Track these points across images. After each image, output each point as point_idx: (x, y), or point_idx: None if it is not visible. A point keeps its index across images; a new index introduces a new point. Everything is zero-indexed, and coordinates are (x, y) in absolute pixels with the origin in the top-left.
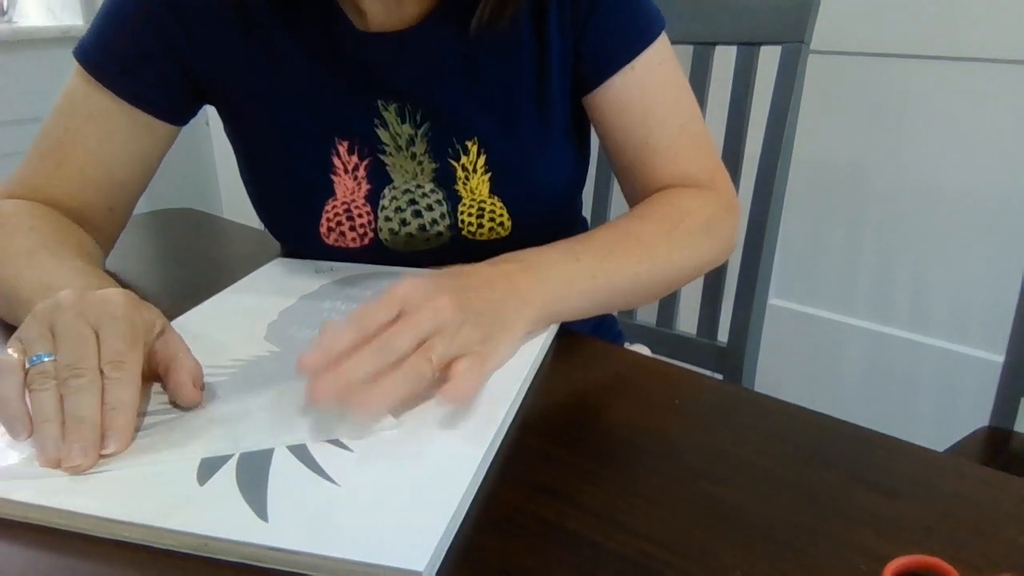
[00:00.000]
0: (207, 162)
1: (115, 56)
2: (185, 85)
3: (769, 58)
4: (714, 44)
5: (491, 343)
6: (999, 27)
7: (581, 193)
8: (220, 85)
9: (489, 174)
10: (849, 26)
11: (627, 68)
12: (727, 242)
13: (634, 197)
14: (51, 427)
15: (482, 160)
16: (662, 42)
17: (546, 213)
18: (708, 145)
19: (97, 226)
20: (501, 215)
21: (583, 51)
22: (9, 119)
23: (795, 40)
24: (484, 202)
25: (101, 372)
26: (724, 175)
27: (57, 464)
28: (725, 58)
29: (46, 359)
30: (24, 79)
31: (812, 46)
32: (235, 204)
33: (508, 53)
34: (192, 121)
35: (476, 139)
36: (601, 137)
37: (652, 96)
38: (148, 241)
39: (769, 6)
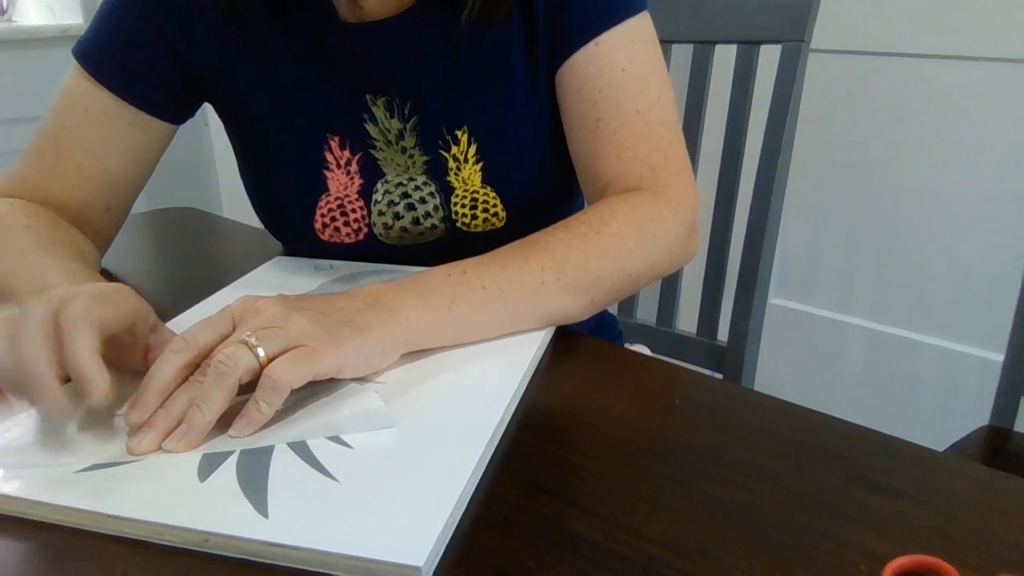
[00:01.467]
0: (207, 162)
1: (112, 55)
2: (182, 83)
3: (769, 57)
4: (714, 43)
5: (334, 341)
6: (999, 26)
7: (578, 187)
8: (215, 82)
9: (481, 163)
10: (849, 25)
11: (591, 44)
12: (667, 245)
13: (585, 191)
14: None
15: (473, 149)
16: (639, 23)
17: (541, 204)
18: (665, 135)
19: (94, 224)
20: (495, 205)
21: (558, 27)
22: (9, 118)
23: (795, 39)
24: (477, 192)
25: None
26: (675, 169)
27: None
28: (725, 57)
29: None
30: (24, 78)
31: (812, 45)
32: (235, 204)
33: (496, 39)
34: (191, 121)
35: (466, 128)
36: (562, 119)
37: (612, 75)
38: (148, 240)
39: (769, 5)
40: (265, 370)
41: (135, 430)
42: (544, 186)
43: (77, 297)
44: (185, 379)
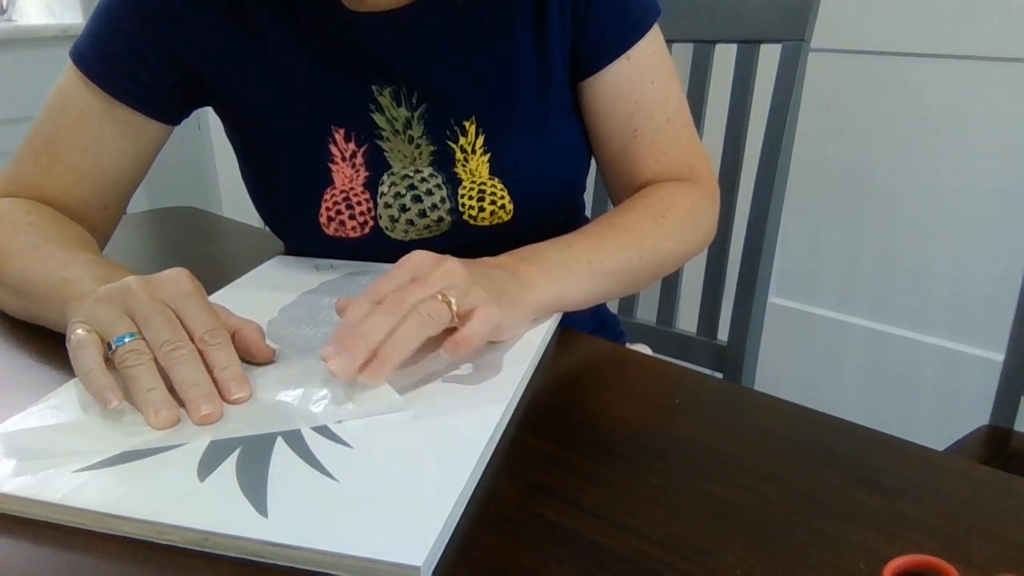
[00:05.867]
0: (207, 162)
1: (107, 55)
2: (179, 84)
3: (769, 57)
4: (714, 43)
5: (503, 306)
6: (999, 25)
7: (584, 183)
8: (215, 81)
9: (488, 154)
10: (849, 24)
11: (623, 58)
12: (709, 231)
13: (617, 188)
14: (157, 393)
15: (481, 140)
16: (656, 32)
17: (548, 198)
18: (692, 136)
19: (91, 223)
20: (502, 197)
21: (582, 37)
22: (9, 118)
23: (795, 38)
24: (484, 184)
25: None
26: (706, 165)
27: (171, 424)
28: (725, 57)
29: (130, 339)
30: (24, 78)
31: (812, 44)
32: (235, 203)
33: (504, 32)
34: (186, 122)
35: (474, 119)
36: (590, 125)
37: (643, 88)
38: (148, 239)
39: (769, 4)
40: (465, 328)
41: (330, 356)
42: (551, 179)
43: (199, 310)
44: None
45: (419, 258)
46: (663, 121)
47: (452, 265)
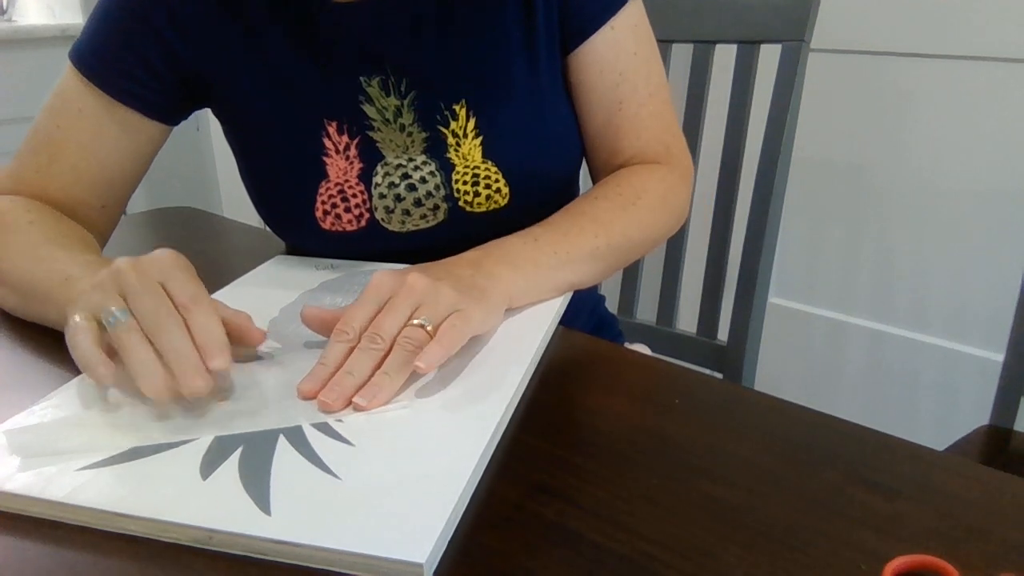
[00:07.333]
0: (207, 162)
1: (106, 55)
2: (177, 83)
3: (769, 57)
4: (714, 43)
5: (471, 304)
6: (999, 25)
7: (579, 167)
8: (212, 80)
9: (480, 137)
10: (849, 24)
11: (607, 27)
12: (680, 215)
13: (597, 166)
14: (149, 365)
15: (472, 124)
16: (638, 4)
17: (543, 181)
18: (670, 115)
19: (89, 223)
20: (497, 180)
21: (567, 9)
22: (9, 118)
23: (795, 39)
24: (478, 168)
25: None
26: (681, 145)
27: (168, 392)
28: (725, 57)
29: (123, 317)
30: (24, 78)
31: (812, 45)
32: (235, 203)
33: (491, 11)
34: (185, 123)
35: (464, 102)
36: (576, 99)
37: (628, 59)
38: (148, 239)
39: (769, 4)
40: (434, 342)
41: (306, 397)
42: (545, 160)
43: (185, 282)
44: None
45: (379, 281)
46: (646, 95)
47: (413, 280)
